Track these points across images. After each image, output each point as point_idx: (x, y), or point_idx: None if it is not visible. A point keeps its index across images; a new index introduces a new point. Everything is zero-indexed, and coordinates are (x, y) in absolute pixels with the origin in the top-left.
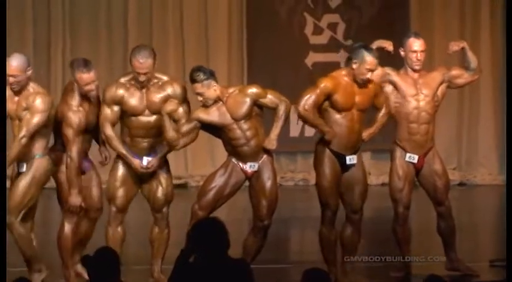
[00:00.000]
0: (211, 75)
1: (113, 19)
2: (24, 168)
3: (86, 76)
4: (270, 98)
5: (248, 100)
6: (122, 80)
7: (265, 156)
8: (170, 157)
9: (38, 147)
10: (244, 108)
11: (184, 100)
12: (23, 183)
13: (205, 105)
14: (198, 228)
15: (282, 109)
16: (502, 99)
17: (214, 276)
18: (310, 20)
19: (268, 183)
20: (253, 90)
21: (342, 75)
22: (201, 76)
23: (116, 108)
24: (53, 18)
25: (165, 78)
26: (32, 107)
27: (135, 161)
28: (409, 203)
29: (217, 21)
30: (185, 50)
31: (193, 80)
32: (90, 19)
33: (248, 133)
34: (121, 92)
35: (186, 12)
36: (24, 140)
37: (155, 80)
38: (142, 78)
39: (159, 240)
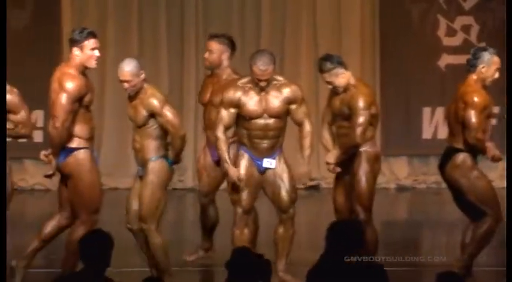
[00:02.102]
0: (338, 63)
1: (246, 23)
2: (141, 172)
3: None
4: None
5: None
6: (241, 82)
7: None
8: (296, 158)
9: (152, 149)
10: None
11: (302, 101)
12: (146, 190)
13: (336, 93)
14: (337, 229)
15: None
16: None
17: (350, 277)
18: (443, 22)
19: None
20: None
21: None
22: (328, 65)
23: (232, 110)
24: (186, 22)
25: (281, 79)
26: (154, 109)
27: (231, 170)
28: None
29: (350, 24)
30: (318, 53)
31: (321, 70)
32: (222, 23)
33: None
34: (239, 94)
35: (319, 15)
36: (182, 133)
37: (273, 82)
38: (262, 84)
39: (284, 240)
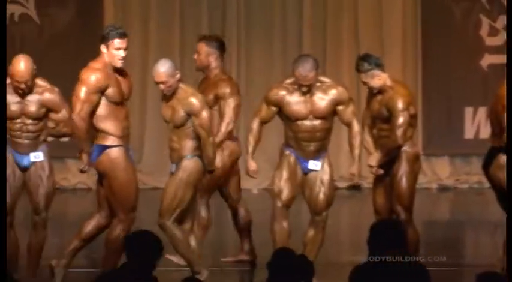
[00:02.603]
0: (376, 65)
1: (287, 24)
2: (173, 169)
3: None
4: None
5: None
6: (287, 82)
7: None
8: (343, 159)
9: (188, 148)
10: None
11: (349, 101)
12: (171, 186)
13: (374, 95)
14: (379, 229)
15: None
16: None
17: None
18: (486, 21)
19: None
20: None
21: None
22: (365, 66)
23: (273, 108)
24: (228, 22)
25: (327, 81)
26: (193, 109)
27: (250, 163)
28: None
29: (392, 24)
30: (360, 52)
31: (358, 70)
32: (264, 24)
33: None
34: (282, 93)
35: (360, 14)
36: (212, 139)
37: (318, 84)
38: (304, 89)
39: (313, 242)
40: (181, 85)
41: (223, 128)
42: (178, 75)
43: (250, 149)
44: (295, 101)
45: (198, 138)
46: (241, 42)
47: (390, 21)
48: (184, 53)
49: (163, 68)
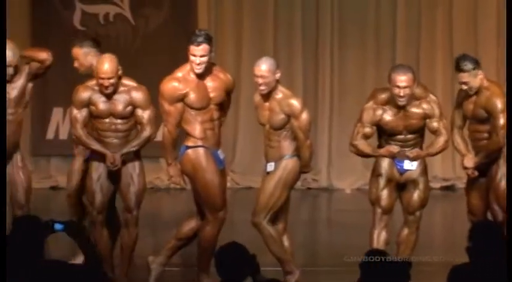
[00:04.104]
0: (477, 64)
1: (381, 23)
2: (271, 168)
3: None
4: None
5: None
6: (381, 98)
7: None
8: (437, 159)
9: (287, 148)
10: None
11: (441, 114)
12: (270, 184)
13: (468, 96)
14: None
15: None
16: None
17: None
18: None
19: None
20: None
21: None
22: (469, 66)
23: (372, 127)
24: (321, 23)
25: (419, 91)
26: (293, 111)
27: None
28: None
29: (487, 20)
30: (453, 52)
31: (460, 69)
32: (357, 23)
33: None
34: (379, 113)
35: (454, 12)
36: (309, 142)
37: (413, 101)
38: (400, 101)
39: (407, 242)
40: (280, 87)
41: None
42: (278, 74)
43: (370, 151)
44: (390, 118)
45: (295, 139)
46: (334, 43)
47: (484, 22)
48: (277, 56)
49: (265, 63)
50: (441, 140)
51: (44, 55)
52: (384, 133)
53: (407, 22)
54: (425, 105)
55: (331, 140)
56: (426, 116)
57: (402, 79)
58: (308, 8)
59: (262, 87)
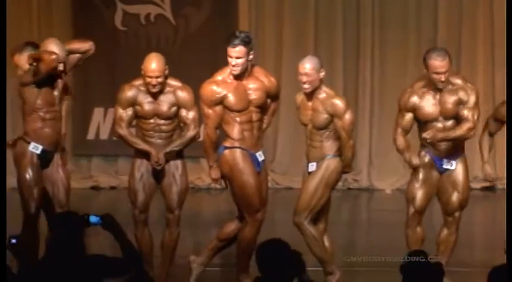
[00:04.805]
0: None
1: (422, 23)
2: (313, 168)
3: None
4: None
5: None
6: (417, 86)
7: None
8: (478, 160)
9: (330, 148)
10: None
11: (476, 104)
12: (312, 184)
13: None
14: None
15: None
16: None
17: None
18: None
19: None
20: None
21: None
22: None
23: (410, 114)
24: (362, 23)
25: (459, 82)
26: (336, 111)
27: (414, 159)
28: None
29: None
30: (495, 52)
31: None
32: (398, 24)
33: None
34: (415, 99)
35: (495, 14)
36: (352, 142)
37: (449, 86)
38: (440, 85)
39: (446, 243)
40: (323, 87)
41: None
42: (322, 73)
43: (407, 156)
44: (427, 104)
45: (337, 139)
46: (375, 43)
47: None
48: (318, 55)
49: (310, 61)
50: (465, 126)
51: (87, 46)
52: (421, 122)
53: (448, 20)
54: (461, 92)
55: (371, 140)
56: (460, 102)
57: (442, 64)
58: (349, 7)
59: (306, 86)
